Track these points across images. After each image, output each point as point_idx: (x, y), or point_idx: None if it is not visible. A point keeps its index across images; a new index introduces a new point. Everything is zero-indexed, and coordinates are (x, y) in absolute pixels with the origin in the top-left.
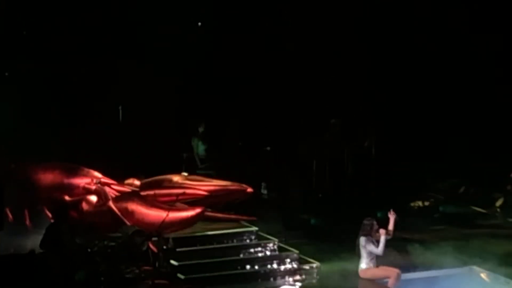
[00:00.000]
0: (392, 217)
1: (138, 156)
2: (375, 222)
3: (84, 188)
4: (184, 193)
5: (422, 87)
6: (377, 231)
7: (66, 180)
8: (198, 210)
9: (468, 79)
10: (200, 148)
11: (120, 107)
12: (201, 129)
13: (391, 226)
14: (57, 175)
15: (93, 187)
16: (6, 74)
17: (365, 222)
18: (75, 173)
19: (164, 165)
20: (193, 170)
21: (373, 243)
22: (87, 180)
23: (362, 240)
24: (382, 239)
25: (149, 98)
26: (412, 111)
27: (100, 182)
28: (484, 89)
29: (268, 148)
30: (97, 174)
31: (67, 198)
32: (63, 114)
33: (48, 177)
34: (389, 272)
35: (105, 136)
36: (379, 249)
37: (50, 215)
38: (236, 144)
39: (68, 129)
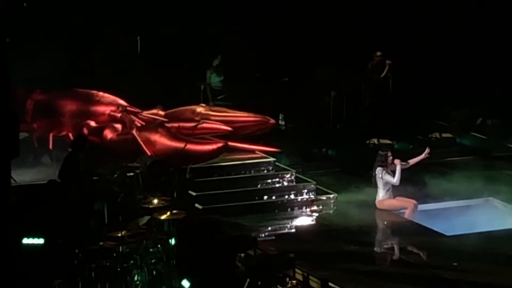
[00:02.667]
0: (425, 154)
1: (156, 87)
2: (389, 153)
3: (109, 115)
4: (207, 128)
5: (441, 16)
6: (392, 161)
7: (92, 107)
8: (219, 144)
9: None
10: (215, 80)
11: (138, 38)
12: (215, 62)
13: (417, 159)
14: (83, 102)
15: (119, 115)
16: (24, 4)
17: (380, 152)
18: (100, 100)
19: (181, 96)
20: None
21: (388, 173)
22: (113, 107)
23: (378, 170)
24: (398, 168)
25: (168, 28)
26: (430, 41)
27: (126, 110)
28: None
29: (286, 79)
30: (122, 102)
31: (92, 124)
32: (82, 45)
33: (74, 103)
34: (406, 203)
35: (123, 67)
36: (396, 179)
37: None
38: (254, 75)
39: (87, 60)
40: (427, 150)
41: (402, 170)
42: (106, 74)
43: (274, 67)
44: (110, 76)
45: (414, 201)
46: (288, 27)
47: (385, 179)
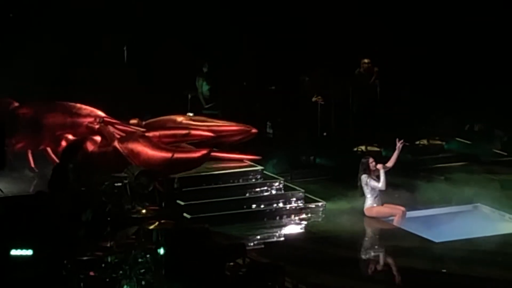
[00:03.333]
0: (398, 147)
1: (144, 96)
2: (371, 159)
3: (87, 127)
4: (189, 135)
5: (429, 23)
6: (375, 167)
7: (69, 119)
8: (203, 151)
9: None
10: (205, 88)
11: (125, 48)
12: (205, 69)
13: (394, 156)
14: (60, 114)
15: (97, 126)
16: (11, 15)
17: (363, 160)
18: (78, 112)
19: (169, 105)
20: (199, 111)
21: (374, 179)
22: (90, 119)
23: (363, 178)
24: (382, 173)
25: (155, 37)
26: (417, 47)
27: (103, 121)
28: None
29: (273, 88)
30: (100, 113)
31: (70, 137)
32: (69, 54)
33: (50, 116)
34: (394, 210)
35: (111, 77)
36: (381, 184)
37: (52, 155)
38: (241, 84)
39: (73, 69)
40: (398, 144)
41: (388, 175)
42: (91, 84)
43: (261, 75)
44: (96, 86)
45: (402, 208)
46: (275, 34)
47: (371, 185)
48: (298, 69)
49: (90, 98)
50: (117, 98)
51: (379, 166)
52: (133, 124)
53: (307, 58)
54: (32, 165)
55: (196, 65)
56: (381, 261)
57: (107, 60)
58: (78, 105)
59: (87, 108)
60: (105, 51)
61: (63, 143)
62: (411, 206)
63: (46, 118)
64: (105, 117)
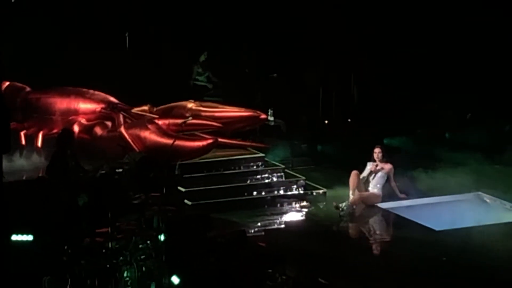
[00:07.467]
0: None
1: (146, 83)
2: (377, 149)
3: (100, 113)
4: (197, 124)
5: (432, 12)
6: (381, 158)
7: (82, 104)
8: (210, 140)
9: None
10: (200, 76)
11: (126, 34)
12: (202, 58)
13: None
14: (74, 99)
15: (110, 112)
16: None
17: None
18: (91, 97)
19: (171, 92)
20: (201, 98)
21: (373, 171)
22: (104, 105)
23: (368, 164)
24: (378, 175)
25: (158, 24)
26: (420, 36)
27: (116, 107)
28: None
29: (275, 75)
30: (113, 99)
31: (83, 121)
32: (71, 41)
33: (64, 101)
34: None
35: (113, 64)
36: (373, 182)
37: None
38: (243, 71)
39: (76, 56)
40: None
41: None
42: (95, 70)
43: (263, 62)
44: (99, 72)
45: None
46: (279, 22)
47: (364, 173)
48: (300, 57)
49: (96, 84)
50: (118, 86)
51: (385, 166)
52: (144, 111)
53: (310, 47)
54: (39, 144)
55: (198, 55)
56: (382, 249)
57: (111, 47)
58: (91, 90)
59: (100, 94)
60: (110, 38)
61: (76, 128)
62: (413, 194)
63: (59, 103)
64: (118, 103)
